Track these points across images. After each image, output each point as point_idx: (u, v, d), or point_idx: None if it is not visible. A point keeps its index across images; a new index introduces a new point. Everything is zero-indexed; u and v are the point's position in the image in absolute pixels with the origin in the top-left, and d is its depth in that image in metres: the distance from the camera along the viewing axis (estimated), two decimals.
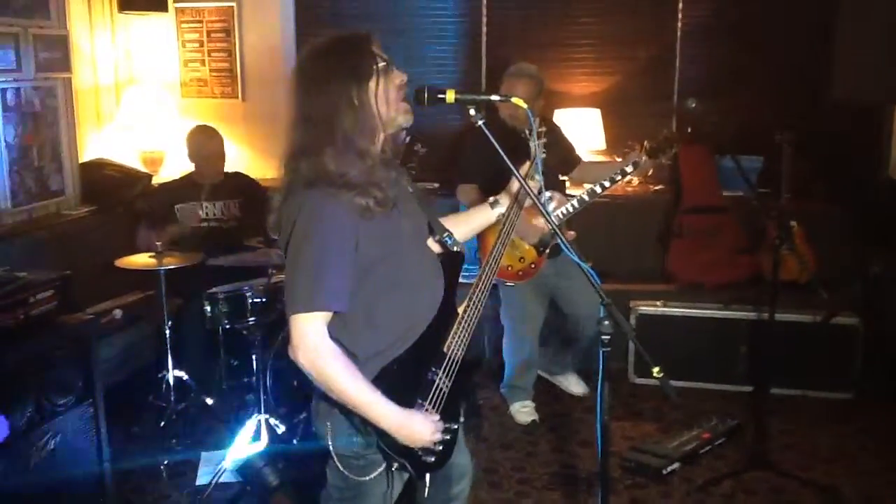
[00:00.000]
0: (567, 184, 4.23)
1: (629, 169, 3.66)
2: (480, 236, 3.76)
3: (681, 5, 5.06)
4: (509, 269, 3.75)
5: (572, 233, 3.84)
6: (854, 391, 4.23)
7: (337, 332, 1.96)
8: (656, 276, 4.80)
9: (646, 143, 3.64)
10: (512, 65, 4.02)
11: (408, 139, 5.44)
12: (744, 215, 4.66)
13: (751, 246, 4.56)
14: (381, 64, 1.99)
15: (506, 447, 3.86)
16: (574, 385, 4.36)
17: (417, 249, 2.11)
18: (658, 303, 4.46)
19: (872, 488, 3.45)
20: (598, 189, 3.71)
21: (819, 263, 4.41)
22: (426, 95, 2.03)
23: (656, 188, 5.04)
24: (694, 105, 3.54)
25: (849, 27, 3.93)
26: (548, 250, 3.80)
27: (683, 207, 4.75)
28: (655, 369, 1.92)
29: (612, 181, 3.71)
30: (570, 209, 3.76)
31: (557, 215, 3.76)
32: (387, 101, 1.99)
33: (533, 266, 3.78)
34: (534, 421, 4.08)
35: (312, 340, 1.89)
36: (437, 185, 5.18)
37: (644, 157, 3.67)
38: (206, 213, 4.30)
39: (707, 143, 3.97)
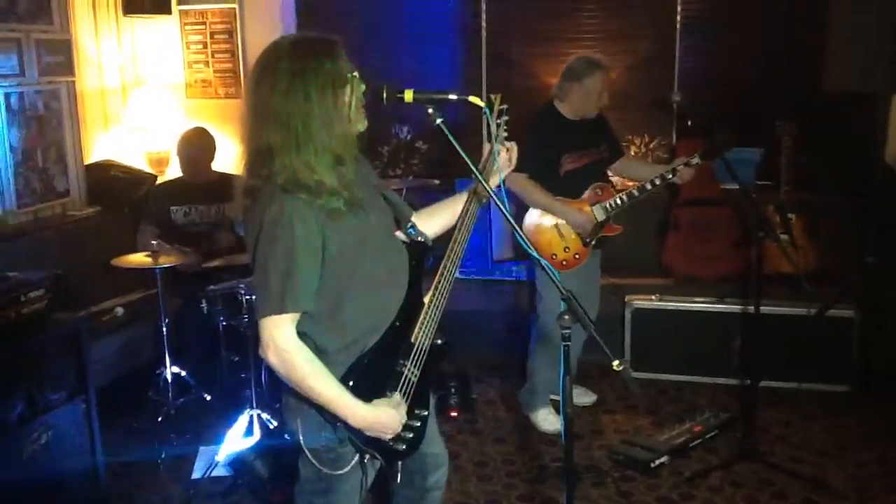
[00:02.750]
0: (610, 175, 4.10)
1: (680, 168, 3.68)
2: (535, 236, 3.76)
3: None
4: (553, 257, 3.74)
5: (618, 227, 3.86)
6: (850, 384, 4.20)
7: (305, 327, 2.01)
8: (654, 270, 4.81)
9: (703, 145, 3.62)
10: (576, 60, 3.84)
11: (409, 136, 5.51)
12: (740, 208, 4.64)
13: (747, 239, 4.54)
14: (354, 73, 2.02)
15: (498, 441, 3.90)
16: (582, 396, 4.20)
17: (384, 245, 2.15)
18: (653, 297, 4.46)
19: (863, 480, 3.44)
20: (649, 186, 3.72)
21: (821, 255, 4.40)
22: (385, 95, 2.07)
23: None
24: (679, 98, 3.57)
25: (841, 17, 3.90)
26: (593, 242, 3.80)
27: (679, 200, 4.76)
28: (616, 362, 1.93)
29: (664, 178, 3.71)
30: (619, 202, 3.77)
31: (605, 206, 3.79)
32: (356, 108, 2.03)
33: (577, 256, 3.79)
34: None
35: (282, 341, 1.94)
36: (437, 181, 5.22)
37: (697, 159, 3.65)
38: (201, 217, 4.38)
39: (705, 135, 3.96)
